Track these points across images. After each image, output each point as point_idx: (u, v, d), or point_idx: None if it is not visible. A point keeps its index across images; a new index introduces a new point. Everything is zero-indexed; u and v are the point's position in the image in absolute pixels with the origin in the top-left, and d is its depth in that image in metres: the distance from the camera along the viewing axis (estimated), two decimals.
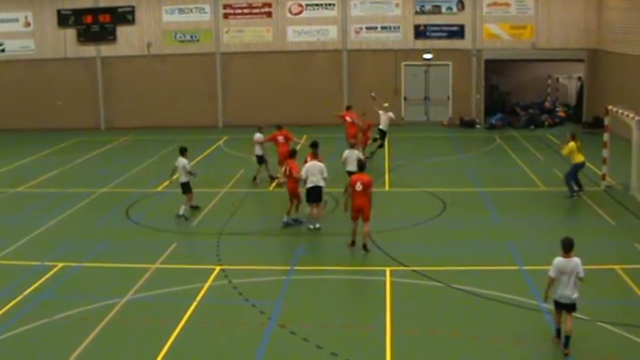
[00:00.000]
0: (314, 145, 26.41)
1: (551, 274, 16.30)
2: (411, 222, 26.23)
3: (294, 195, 25.94)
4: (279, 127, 32.23)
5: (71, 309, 18.88)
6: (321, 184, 25.20)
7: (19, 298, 19.74)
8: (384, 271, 21.10)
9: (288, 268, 21.60)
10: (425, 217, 26.83)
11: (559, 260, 16.28)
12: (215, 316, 18.31)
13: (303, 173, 25.28)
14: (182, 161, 27.59)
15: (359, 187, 22.37)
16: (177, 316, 18.18)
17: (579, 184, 29.29)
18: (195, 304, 19.02)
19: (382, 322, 17.61)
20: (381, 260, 22.12)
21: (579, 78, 51.24)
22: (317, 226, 25.40)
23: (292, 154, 26.83)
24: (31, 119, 51.07)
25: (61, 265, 22.45)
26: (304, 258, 22.80)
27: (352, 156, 28.67)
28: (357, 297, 19.81)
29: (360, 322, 17.81)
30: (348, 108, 38.23)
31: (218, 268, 21.57)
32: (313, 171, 25.18)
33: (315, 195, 25.23)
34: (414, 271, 21.08)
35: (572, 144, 28.99)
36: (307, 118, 47.60)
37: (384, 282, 20.32)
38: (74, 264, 22.59)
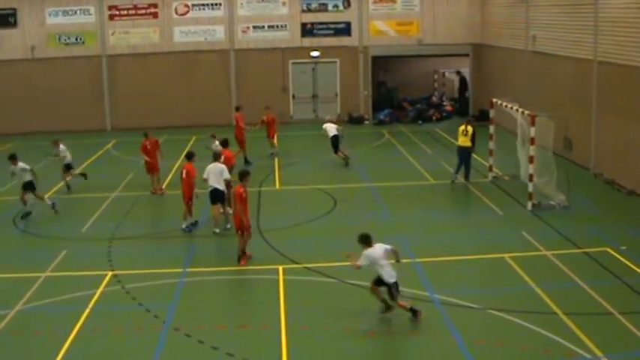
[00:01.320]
0: (188, 156, 26.44)
1: (361, 262, 17.68)
2: (302, 219, 26.44)
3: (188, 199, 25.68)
4: (145, 135, 32.08)
5: None
6: (221, 186, 25.09)
7: None
8: (277, 269, 21.25)
9: (180, 270, 21.52)
10: (316, 214, 27.06)
11: (367, 252, 17.55)
12: (109, 322, 18.14)
13: (204, 175, 25.20)
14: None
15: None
16: (71, 324, 17.96)
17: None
18: (88, 311, 18.82)
19: (277, 321, 17.76)
20: (273, 258, 22.25)
21: (458, 72, 52.31)
22: (216, 230, 25.32)
23: (189, 156, 26.53)
24: None
25: None
26: (197, 260, 22.77)
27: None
28: (251, 296, 19.88)
29: (256, 322, 17.89)
30: (237, 109, 38.46)
31: (110, 273, 21.38)
32: (214, 173, 25.10)
33: (214, 197, 25.12)
34: (306, 268, 21.26)
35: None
36: (196, 119, 47.46)
37: (277, 280, 20.46)
38: None
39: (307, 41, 49.02)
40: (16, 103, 48.61)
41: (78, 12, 49.14)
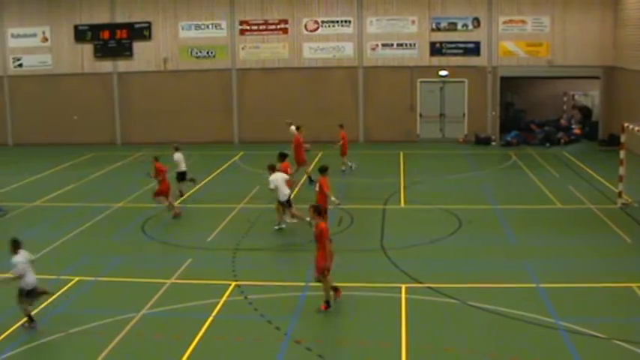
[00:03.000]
0: (322, 170, 26.63)
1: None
2: (426, 239, 26.19)
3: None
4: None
5: (86, 323, 18.93)
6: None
7: (35, 311, 19.70)
8: (400, 287, 21.06)
9: (303, 284, 21.55)
10: (441, 234, 26.78)
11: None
12: (231, 332, 18.30)
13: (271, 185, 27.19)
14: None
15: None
16: (193, 331, 18.20)
17: None
18: (210, 319, 19.02)
19: (398, 339, 17.58)
20: (396, 277, 22.08)
21: (578, 107, 51.55)
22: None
23: (323, 170, 26.55)
24: (48, 134, 51.38)
25: (76, 279, 22.53)
26: None
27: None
28: (372, 314, 19.71)
29: (376, 339, 17.76)
30: (298, 128, 37.74)
31: (234, 283, 21.57)
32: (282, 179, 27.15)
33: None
34: (429, 288, 21.04)
35: None
36: (323, 135, 47.65)
37: (400, 299, 20.29)
38: (90, 278, 22.66)
39: (436, 60, 48.79)
40: (148, 113, 49.83)
41: (210, 26, 50.12)
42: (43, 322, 19.11)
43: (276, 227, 27.69)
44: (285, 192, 27.28)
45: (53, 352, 17.59)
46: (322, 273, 19.37)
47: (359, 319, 19.22)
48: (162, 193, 29.80)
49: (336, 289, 19.96)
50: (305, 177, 35.79)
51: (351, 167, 38.98)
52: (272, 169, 27.94)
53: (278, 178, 27.32)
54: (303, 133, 37.30)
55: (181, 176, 33.31)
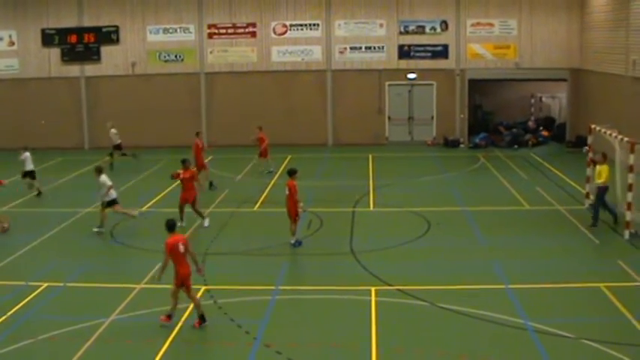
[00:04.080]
0: (290, 173, 26.46)
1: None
2: (395, 241, 26.27)
3: None
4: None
5: (56, 329, 18.84)
6: None
7: (3, 318, 19.68)
8: (370, 290, 21.13)
9: (273, 287, 21.58)
10: (410, 236, 26.89)
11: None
12: (201, 336, 18.31)
13: None
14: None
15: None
16: (163, 336, 18.19)
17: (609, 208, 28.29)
18: (180, 324, 19.00)
19: (368, 342, 17.64)
20: (366, 280, 22.14)
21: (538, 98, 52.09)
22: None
23: (291, 173, 26.43)
24: (15, 138, 50.82)
25: (45, 285, 22.39)
26: (289, 277, 22.82)
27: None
28: (342, 316, 19.74)
29: (346, 342, 17.80)
30: (198, 134, 38.47)
31: (203, 288, 21.53)
32: None
33: None
34: (399, 290, 21.12)
35: (606, 166, 27.66)
36: (292, 138, 47.78)
37: (370, 301, 20.35)
38: (59, 284, 22.53)
39: (404, 63, 48.97)
40: (116, 117, 49.53)
41: (178, 30, 50.05)
42: (12, 329, 18.99)
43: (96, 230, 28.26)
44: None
45: (23, 359, 17.45)
46: (178, 285, 19.16)
47: (329, 322, 19.25)
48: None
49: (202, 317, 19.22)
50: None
51: (271, 171, 39.28)
52: (99, 171, 28.64)
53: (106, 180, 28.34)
54: (260, 134, 39.41)
55: (29, 175, 34.89)
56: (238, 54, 49.56)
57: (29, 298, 21.29)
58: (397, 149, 46.91)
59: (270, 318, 19.41)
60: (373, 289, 21.24)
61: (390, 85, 49.21)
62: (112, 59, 50.64)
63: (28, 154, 34.81)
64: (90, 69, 50.98)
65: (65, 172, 40.93)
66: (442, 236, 27.02)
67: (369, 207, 31.81)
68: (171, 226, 19.21)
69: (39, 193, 35.02)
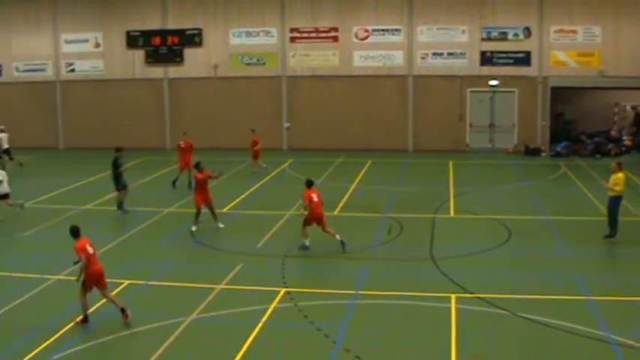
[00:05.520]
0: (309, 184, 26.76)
1: None
2: (476, 249, 26.03)
3: None
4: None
5: (137, 326, 19.07)
6: None
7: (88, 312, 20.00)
8: (450, 297, 20.95)
9: (352, 292, 21.54)
10: (490, 244, 26.61)
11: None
12: (280, 339, 18.30)
13: None
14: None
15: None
16: (243, 337, 18.22)
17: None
18: (260, 325, 19.03)
19: (447, 349, 17.47)
20: (446, 286, 21.96)
21: (633, 107, 50.82)
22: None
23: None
24: (99, 138, 51.83)
25: (127, 282, 22.68)
26: (369, 282, 22.68)
27: None
28: (422, 323, 19.60)
29: (426, 349, 17.66)
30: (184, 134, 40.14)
31: (283, 290, 21.60)
32: None
33: None
34: (479, 298, 20.91)
35: (621, 174, 26.97)
36: (372, 144, 47.78)
37: (450, 308, 20.18)
38: (140, 282, 22.82)
39: (486, 70, 48.63)
40: (198, 119, 50.14)
41: (260, 33, 50.38)
42: (94, 325, 19.27)
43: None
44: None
45: (104, 354, 17.72)
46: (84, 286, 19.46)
47: (408, 328, 19.14)
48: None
49: (123, 311, 19.56)
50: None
51: (265, 168, 41.19)
52: None
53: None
54: (254, 136, 41.58)
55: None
56: (320, 58, 49.71)
57: (111, 294, 21.55)
58: (478, 156, 46.60)
59: (349, 322, 19.34)
60: (453, 296, 21.06)
61: (471, 91, 48.89)
62: (195, 61, 51.26)
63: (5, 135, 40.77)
64: (173, 71, 51.73)
65: (147, 173, 41.47)
66: (523, 245, 26.68)
67: (449, 213, 31.60)
68: (75, 233, 19.93)
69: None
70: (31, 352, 17.53)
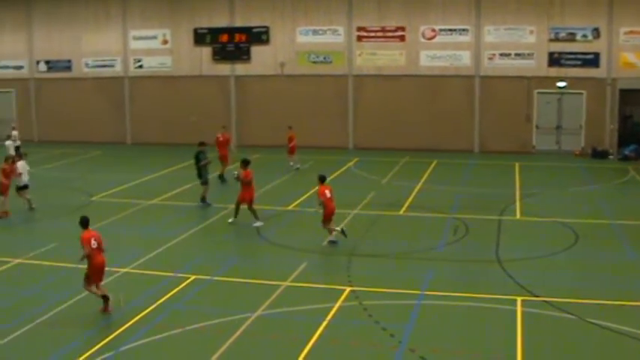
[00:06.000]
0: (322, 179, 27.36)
1: None
2: (542, 252, 25.78)
3: None
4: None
5: (204, 321, 19.25)
6: None
7: (152, 307, 20.25)
8: (515, 300, 20.78)
9: (418, 292, 21.49)
10: (557, 247, 26.35)
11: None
12: (345, 337, 18.33)
13: None
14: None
15: None
16: (307, 334, 18.27)
17: None
18: (325, 323, 19.06)
19: (513, 353, 17.35)
20: (512, 289, 21.79)
21: None
22: None
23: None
24: (166, 134, 52.40)
25: (193, 277, 22.90)
26: (434, 283, 22.60)
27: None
28: (487, 325, 19.47)
29: (491, 352, 17.54)
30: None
31: (349, 288, 21.62)
32: None
33: None
34: (545, 302, 20.71)
35: None
36: (438, 144, 47.61)
37: (515, 312, 20.03)
38: (206, 277, 23.01)
39: (554, 71, 48.10)
40: (264, 116, 50.41)
41: (328, 32, 50.41)
42: (161, 318, 19.52)
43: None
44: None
45: (170, 348, 17.88)
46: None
47: (474, 330, 19.04)
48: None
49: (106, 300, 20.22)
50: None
51: (297, 167, 42.00)
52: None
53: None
54: (290, 133, 42.81)
55: None
56: (387, 57, 49.62)
57: (177, 289, 21.83)
58: (544, 158, 46.16)
59: (414, 322, 19.32)
60: (519, 299, 20.88)
61: (538, 92, 48.43)
62: (262, 59, 51.54)
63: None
64: (240, 68, 52.06)
65: (214, 169, 41.67)
66: (590, 249, 26.38)
67: (515, 215, 31.34)
68: (84, 223, 20.39)
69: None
70: (99, 343, 17.82)
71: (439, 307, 20.46)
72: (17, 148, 42.99)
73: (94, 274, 20.07)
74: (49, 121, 57.15)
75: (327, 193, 26.55)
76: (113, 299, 20.16)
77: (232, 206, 30.26)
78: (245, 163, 29.33)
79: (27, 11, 56.59)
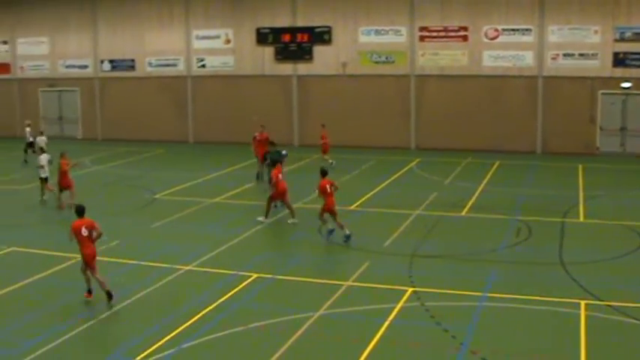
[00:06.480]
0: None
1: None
2: (606, 255, 25.46)
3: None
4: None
5: (266, 319, 19.36)
6: None
7: (215, 304, 20.43)
8: (579, 304, 20.55)
9: (480, 294, 21.36)
10: (621, 251, 25.97)
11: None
12: (407, 338, 18.29)
13: None
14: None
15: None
16: (369, 335, 18.27)
17: None
18: (387, 324, 19.05)
19: (576, 357, 17.15)
20: (575, 292, 21.54)
21: None
22: None
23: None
24: (228, 133, 52.75)
25: (255, 275, 23.03)
26: (497, 285, 22.44)
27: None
28: (550, 329, 19.26)
29: (554, 355, 17.37)
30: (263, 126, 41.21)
31: (410, 289, 21.58)
32: None
33: None
34: (610, 306, 20.45)
35: None
36: (500, 144, 47.26)
37: (579, 315, 19.81)
38: (268, 275, 23.13)
39: (619, 71, 47.41)
40: (326, 116, 50.41)
41: (390, 32, 50.30)
42: (223, 315, 19.68)
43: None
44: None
45: (232, 346, 18.00)
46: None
47: (536, 333, 18.85)
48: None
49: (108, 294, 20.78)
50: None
51: (331, 164, 41.41)
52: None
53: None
54: (323, 131, 43.42)
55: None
56: (449, 57, 49.36)
57: (239, 287, 21.98)
58: (608, 160, 45.55)
59: (476, 324, 19.22)
60: (583, 302, 20.63)
61: (603, 93, 47.80)
62: (324, 59, 51.61)
63: (43, 138, 42.78)
64: (302, 68, 52.17)
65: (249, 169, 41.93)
66: None
67: (579, 218, 30.97)
68: (79, 212, 21.11)
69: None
70: (161, 339, 18.03)
71: (501, 310, 20.33)
72: (31, 144, 44.96)
73: (87, 261, 20.93)
74: (113, 119, 57.95)
75: (328, 188, 27.19)
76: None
77: (294, 205, 30.37)
78: (323, 174, 28.81)
79: (92, 11, 57.39)
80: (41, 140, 42.44)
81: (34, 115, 59.01)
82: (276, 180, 29.43)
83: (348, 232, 26.89)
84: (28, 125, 47.42)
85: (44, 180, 33.74)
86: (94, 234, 20.97)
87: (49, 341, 18.00)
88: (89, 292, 21.06)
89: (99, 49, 57.89)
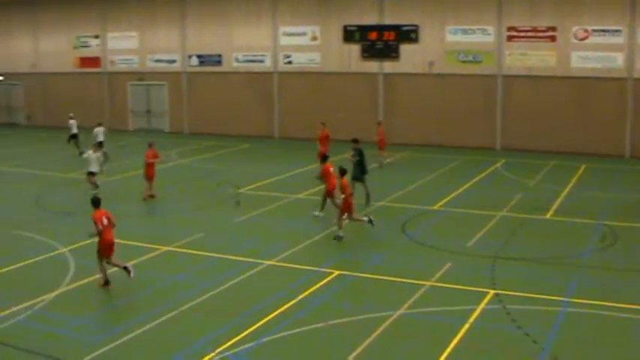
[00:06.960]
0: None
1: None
2: None
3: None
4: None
5: (345, 317, 19.45)
6: None
7: (295, 300, 20.62)
8: None
9: (563, 298, 21.09)
10: None
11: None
12: (487, 341, 18.20)
13: None
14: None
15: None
16: (449, 336, 18.23)
17: None
18: (467, 325, 18.97)
19: None
20: None
21: None
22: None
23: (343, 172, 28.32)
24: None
25: (336, 272, 23.15)
26: (580, 290, 22.13)
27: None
28: (634, 337, 18.89)
29: None
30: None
31: (492, 292, 21.43)
32: None
33: None
34: None
35: None
36: (586, 147, 46.56)
37: None
38: (350, 273, 23.22)
39: None
40: (411, 115, 50.36)
41: (477, 31, 49.90)
42: (303, 312, 19.83)
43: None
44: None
45: (311, 341, 18.15)
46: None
47: (620, 342, 18.46)
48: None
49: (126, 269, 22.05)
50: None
51: (387, 162, 42.71)
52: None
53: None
54: (380, 129, 43.75)
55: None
56: (537, 58, 48.72)
57: (320, 283, 22.14)
58: None
59: (559, 330, 18.98)
60: None
61: None
62: (410, 57, 51.42)
63: (102, 128, 44.47)
64: (388, 66, 52.08)
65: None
66: None
67: None
68: (95, 203, 22.25)
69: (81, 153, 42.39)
70: (242, 333, 18.32)
71: (585, 316, 20.04)
72: (74, 136, 46.95)
73: (104, 250, 21.78)
74: (199, 113, 58.68)
75: (332, 170, 29.20)
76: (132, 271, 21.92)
77: (379, 204, 30.36)
78: (342, 173, 28.58)
79: (180, 7, 58.16)
80: (99, 131, 43.10)
81: (122, 109, 60.19)
82: (327, 175, 29.99)
83: (341, 233, 27.27)
84: (71, 117, 47.96)
85: (91, 174, 34.18)
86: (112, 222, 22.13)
87: (136, 328, 18.43)
88: (107, 282, 21.89)
89: (187, 44, 58.67)
